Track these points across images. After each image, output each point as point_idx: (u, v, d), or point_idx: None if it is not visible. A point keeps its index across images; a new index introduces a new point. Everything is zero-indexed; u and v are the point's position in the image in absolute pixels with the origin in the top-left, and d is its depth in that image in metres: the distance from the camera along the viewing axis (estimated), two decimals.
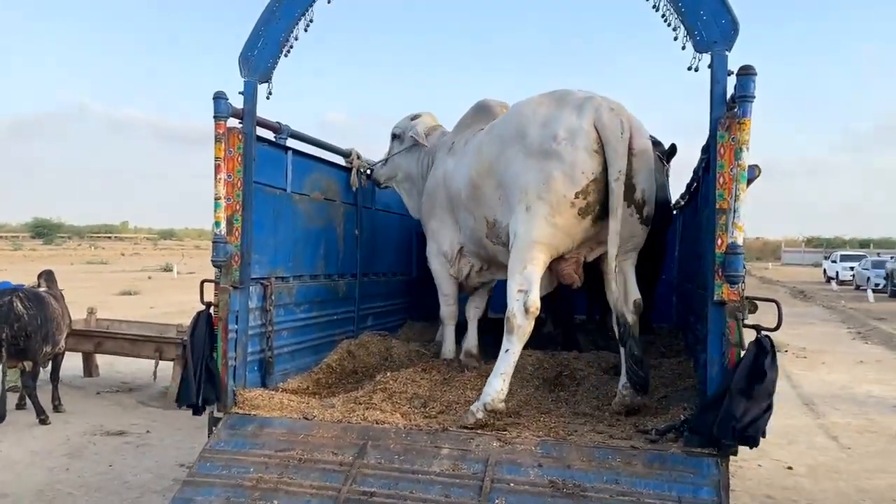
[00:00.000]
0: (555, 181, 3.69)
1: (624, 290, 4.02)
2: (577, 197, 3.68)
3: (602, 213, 3.74)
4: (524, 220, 3.78)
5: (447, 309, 5.25)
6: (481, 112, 5.00)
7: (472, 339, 5.18)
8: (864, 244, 53.73)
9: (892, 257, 28.10)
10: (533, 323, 3.74)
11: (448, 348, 5.24)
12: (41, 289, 7.28)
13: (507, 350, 3.74)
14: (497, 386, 3.69)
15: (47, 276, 7.47)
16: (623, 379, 3.97)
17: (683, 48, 3.34)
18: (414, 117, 5.61)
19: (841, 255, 33.64)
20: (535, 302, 3.72)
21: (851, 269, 30.17)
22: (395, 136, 5.70)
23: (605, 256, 3.82)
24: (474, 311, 5.33)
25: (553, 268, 4.04)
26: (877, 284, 25.63)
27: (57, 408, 7.38)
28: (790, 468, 6.05)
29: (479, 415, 3.59)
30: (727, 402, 2.97)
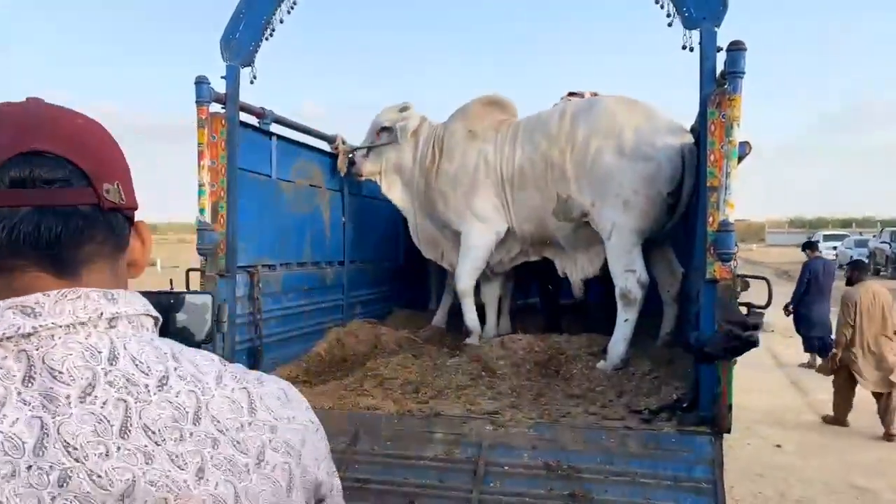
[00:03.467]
0: (657, 181, 4.41)
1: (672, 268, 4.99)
2: (668, 196, 4.45)
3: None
4: (621, 211, 4.47)
5: (470, 283, 5.25)
6: (495, 105, 5.37)
7: (492, 325, 5.58)
8: (846, 224, 54.30)
9: (874, 236, 28.41)
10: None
11: (473, 325, 5.28)
12: None
13: (626, 319, 4.49)
14: (622, 349, 4.41)
15: None
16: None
17: (670, 25, 3.31)
18: (402, 109, 5.54)
19: (824, 235, 33.93)
20: (646, 277, 4.54)
21: (834, 248, 30.46)
22: (383, 129, 5.53)
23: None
24: (493, 297, 5.64)
25: None
26: None
27: None
28: (779, 446, 6.11)
29: (609, 370, 4.30)
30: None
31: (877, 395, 6.47)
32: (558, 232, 5.00)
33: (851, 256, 26.42)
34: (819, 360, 8.25)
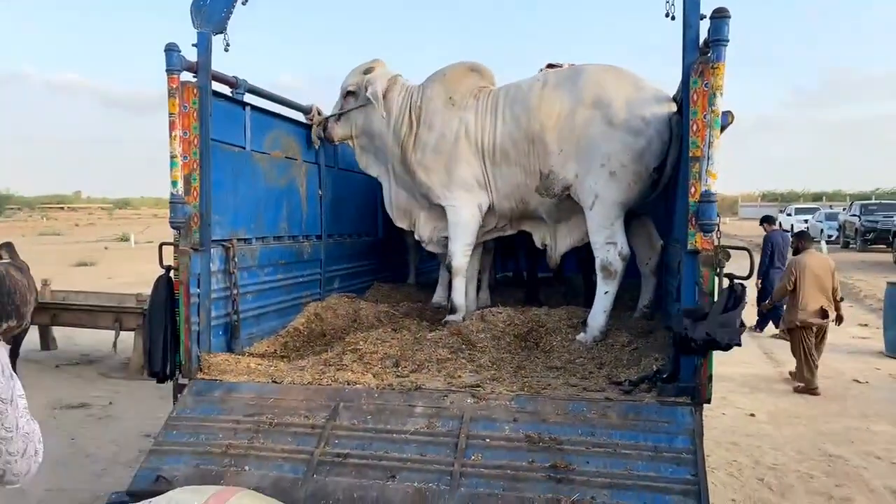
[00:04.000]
0: (644, 155, 4.35)
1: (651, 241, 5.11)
2: (654, 171, 4.41)
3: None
4: (606, 182, 4.39)
5: (465, 261, 5.13)
6: (474, 71, 5.14)
7: (472, 299, 5.46)
8: (816, 197, 55.07)
9: (843, 209, 28.87)
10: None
11: (460, 302, 5.11)
12: (3, 261, 6.96)
13: (606, 292, 4.50)
14: (602, 321, 4.45)
15: (8, 248, 7.13)
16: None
17: None
18: (366, 70, 5.23)
19: (795, 209, 34.44)
20: (627, 250, 4.52)
21: (806, 221, 30.95)
22: (349, 93, 5.31)
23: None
24: (472, 271, 5.49)
25: None
26: (830, 236, 26.33)
27: None
28: (752, 415, 6.21)
29: (588, 343, 4.32)
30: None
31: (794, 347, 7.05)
32: (541, 207, 4.93)
33: (822, 230, 26.91)
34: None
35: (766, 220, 9.26)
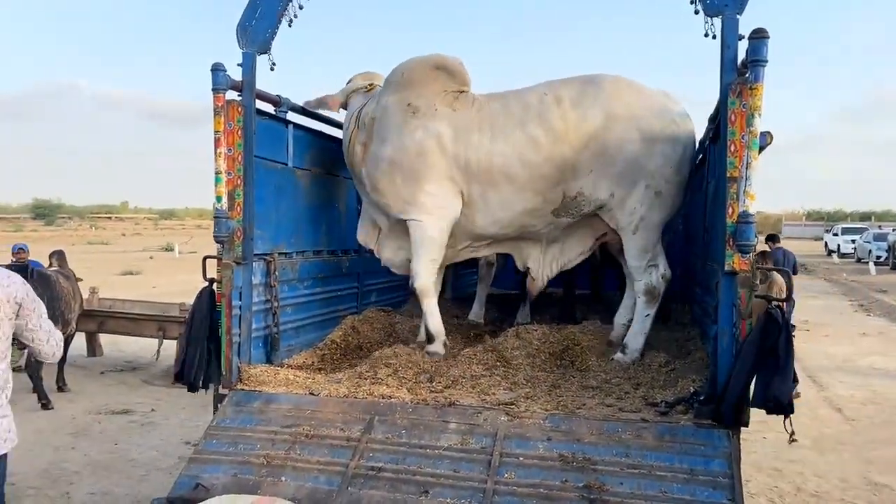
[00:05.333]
0: (682, 165, 4.27)
1: None
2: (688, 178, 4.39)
3: None
4: (652, 203, 4.25)
5: (430, 280, 4.58)
6: (441, 71, 4.46)
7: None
8: (865, 217, 53.55)
9: (893, 229, 28.05)
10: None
11: (437, 328, 4.60)
12: (52, 268, 7.24)
13: (647, 315, 4.42)
14: (641, 342, 4.38)
15: (58, 256, 7.44)
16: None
17: (697, 13, 3.26)
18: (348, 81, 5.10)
19: (842, 228, 33.55)
20: (669, 272, 4.43)
21: (853, 241, 30.09)
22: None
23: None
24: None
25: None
26: (878, 257, 25.56)
27: (61, 388, 7.38)
28: (795, 440, 6.05)
29: (626, 364, 4.25)
30: (739, 376, 2.95)
31: None
32: (546, 228, 4.61)
33: (870, 251, 26.14)
34: None
35: (771, 239, 9.21)
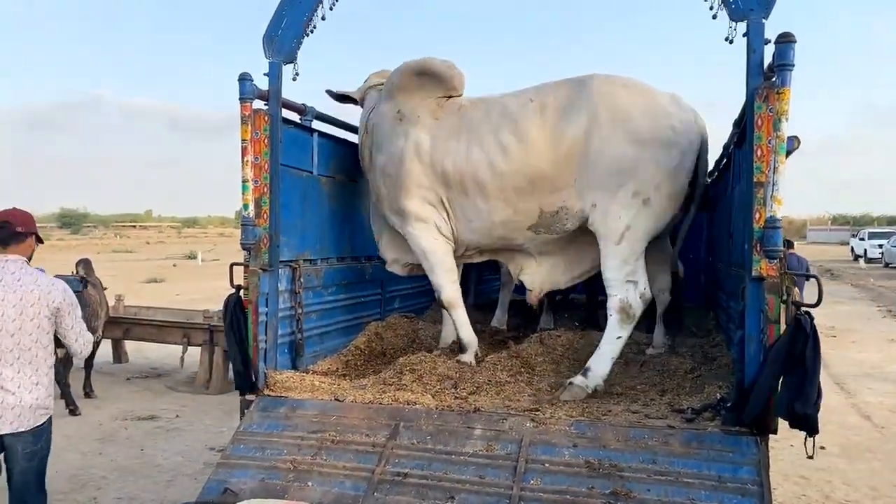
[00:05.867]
0: (678, 174, 3.91)
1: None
2: (689, 188, 4.03)
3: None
4: (638, 211, 3.86)
5: (454, 289, 4.52)
6: (427, 77, 4.32)
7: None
8: (892, 221, 52.66)
9: None
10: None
11: (469, 338, 4.55)
12: (77, 276, 7.37)
13: (619, 337, 3.96)
14: (607, 368, 3.94)
15: (85, 265, 7.57)
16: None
17: (714, 17, 3.25)
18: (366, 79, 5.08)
19: (869, 233, 33.04)
20: (650, 293, 4.02)
21: (880, 246, 29.61)
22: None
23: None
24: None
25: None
26: None
27: (88, 394, 7.50)
28: (823, 448, 5.96)
29: (588, 391, 3.79)
30: (766, 382, 2.92)
31: None
32: (530, 243, 4.38)
33: None
34: None
35: (785, 245, 9.09)
